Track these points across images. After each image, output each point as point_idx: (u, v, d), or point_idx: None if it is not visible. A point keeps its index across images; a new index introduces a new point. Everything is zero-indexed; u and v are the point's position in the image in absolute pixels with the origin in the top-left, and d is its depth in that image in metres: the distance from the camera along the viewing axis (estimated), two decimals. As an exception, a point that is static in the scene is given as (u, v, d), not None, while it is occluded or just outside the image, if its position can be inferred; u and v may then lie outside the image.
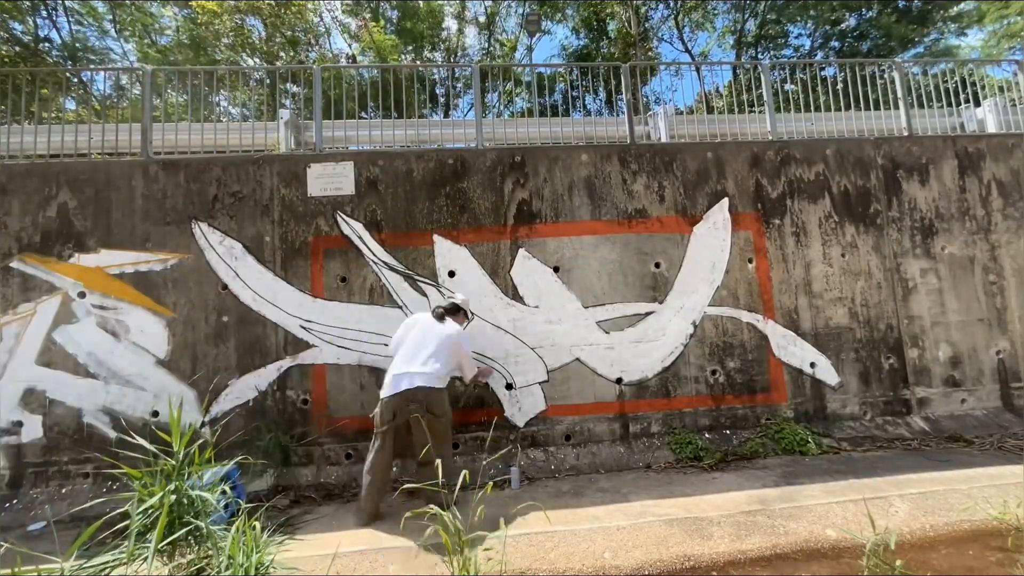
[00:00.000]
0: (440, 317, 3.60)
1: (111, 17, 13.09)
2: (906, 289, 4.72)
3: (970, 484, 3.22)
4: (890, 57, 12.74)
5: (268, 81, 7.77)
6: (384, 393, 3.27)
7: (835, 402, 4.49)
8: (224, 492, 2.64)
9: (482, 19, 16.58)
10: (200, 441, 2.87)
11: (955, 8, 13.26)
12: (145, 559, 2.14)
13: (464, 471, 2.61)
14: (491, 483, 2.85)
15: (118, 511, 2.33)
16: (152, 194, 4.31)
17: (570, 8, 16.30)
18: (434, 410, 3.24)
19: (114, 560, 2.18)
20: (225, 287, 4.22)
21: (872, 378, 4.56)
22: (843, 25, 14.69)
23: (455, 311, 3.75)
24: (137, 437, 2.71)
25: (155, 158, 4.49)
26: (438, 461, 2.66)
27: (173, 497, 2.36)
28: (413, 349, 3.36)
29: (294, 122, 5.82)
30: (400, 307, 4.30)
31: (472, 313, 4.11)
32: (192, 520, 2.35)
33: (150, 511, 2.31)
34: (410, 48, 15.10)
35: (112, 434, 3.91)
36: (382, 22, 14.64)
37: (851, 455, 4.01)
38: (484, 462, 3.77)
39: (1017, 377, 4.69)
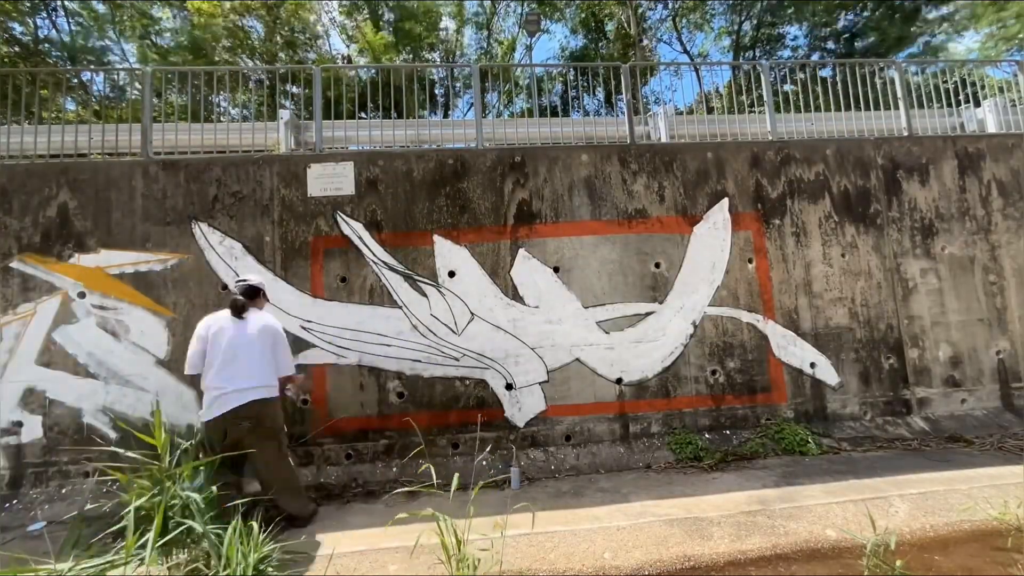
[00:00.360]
0: (240, 311, 3.14)
1: (111, 18, 13.10)
2: (906, 289, 4.72)
3: (970, 484, 3.22)
4: (885, 57, 12.75)
5: (268, 81, 7.77)
6: (206, 416, 2.97)
7: (835, 402, 4.49)
8: (213, 493, 2.63)
9: (480, 19, 16.60)
10: (194, 442, 2.88)
11: (946, 7, 13.24)
12: (142, 560, 2.14)
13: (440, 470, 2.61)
14: (485, 483, 2.85)
15: (109, 510, 2.33)
16: (152, 194, 4.31)
17: (568, 8, 16.32)
18: (265, 423, 3.00)
19: (108, 561, 2.18)
20: (225, 287, 4.22)
21: (872, 378, 4.56)
22: (837, 26, 14.71)
23: (254, 294, 3.30)
24: (136, 438, 2.71)
25: (155, 158, 4.49)
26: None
27: (159, 498, 2.35)
28: (227, 362, 3.00)
29: (294, 122, 5.82)
30: (400, 307, 4.30)
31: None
32: (186, 521, 2.35)
33: (144, 511, 2.31)
34: (407, 48, 15.11)
35: (112, 434, 3.91)
36: (374, 24, 14.63)
37: (851, 455, 4.01)
38: (484, 462, 3.77)
39: (1017, 377, 4.69)
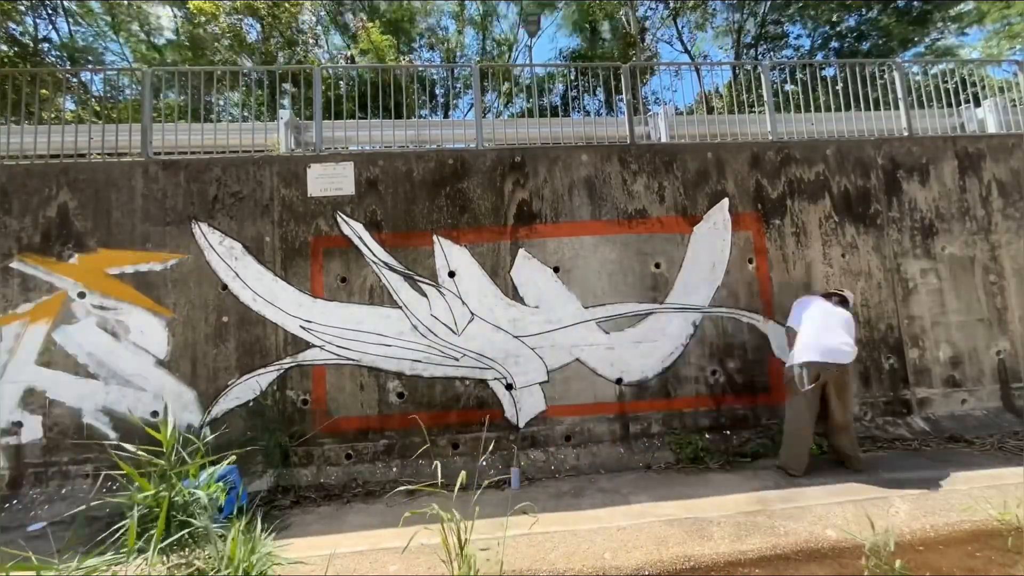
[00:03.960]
0: None
1: (109, 18, 13.09)
2: (906, 289, 4.72)
3: (970, 484, 3.22)
4: (890, 57, 12.74)
5: (267, 81, 7.76)
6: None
7: (835, 402, 4.48)
8: (218, 491, 2.63)
9: (477, 19, 16.57)
10: (203, 441, 2.87)
11: (955, 8, 13.25)
12: (145, 559, 2.14)
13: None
14: (487, 482, 2.84)
15: (111, 510, 2.32)
16: (152, 194, 4.31)
17: (559, 10, 16.32)
18: None
19: (111, 560, 2.18)
20: (225, 287, 4.22)
21: (872, 378, 4.56)
22: (842, 26, 14.70)
23: None
24: (136, 438, 2.71)
25: (155, 158, 4.49)
26: None
27: (166, 495, 2.35)
28: None
29: (294, 122, 5.82)
30: (400, 307, 4.30)
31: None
32: (189, 520, 2.35)
33: (146, 510, 2.31)
34: (404, 49, 15.08)
35: (112, 434, 3.91)
36: (370, 18, 14.60)
37: (851, 455, 4.00)
38: (484, 462, 3.77)
39: (1017, 377, 4.69)
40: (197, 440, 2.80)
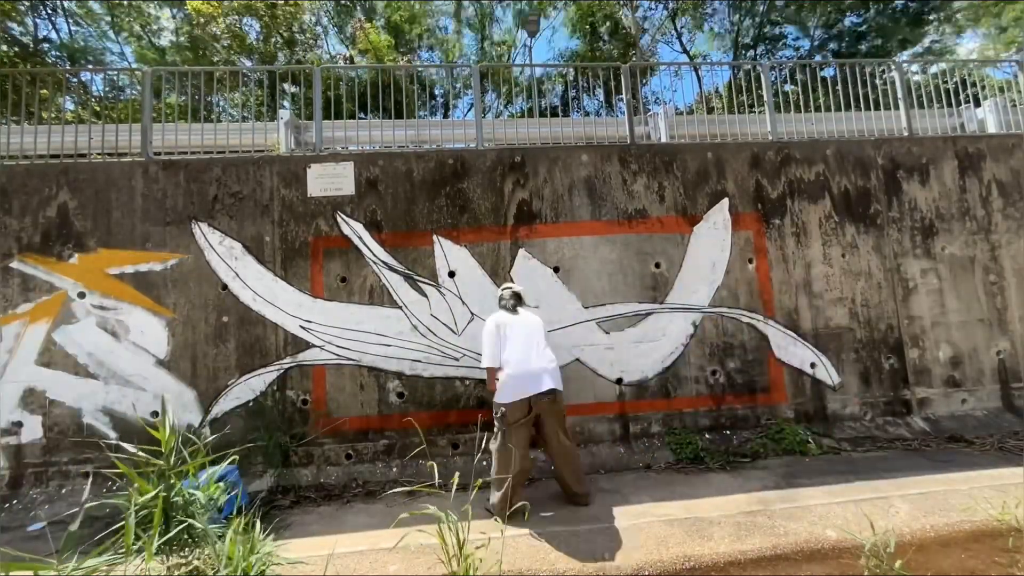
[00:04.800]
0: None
1: (109, 18, 13.10)
2: (906, 289, 4.72)
3: (970, 485, 3.22)
4: (888, 58, 12.75)
5: (267, 82, 7.77)
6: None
7: (835, 402, 4.49)
8: (218, 491, 2.63)
9: (475, 21, 16.58)
10: (203, 441, 2.87)
11: (949, 9, 13.26)
12: (143, 558, 2.14)
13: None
14: (484, 481, 2.84)
15: (110, 510, 2.32)
16: (152, 194, 4.31)
17: (560, 11, 16.33)
18: None
19: (110, 560, 2.17)
20: (225, 287, 4.22)
21: (872, 378, 4.56)
22: (840, 27, 14.70)
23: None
24: (136, 438, 2.71)
25: (155, 158, 4.49)
26: None
27: (163, 496, 2.35)
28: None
29: (294, 122, 5.82)
30: (400, 307, 4.29)
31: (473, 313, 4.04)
32: (187, 520, 2.35)
33: (143, 511, 2.30)
34: (403, 50, 15.09)
35: (112, 434, 3.91)
36: (368, 19, 14.61)
37: (851, 455, 4.00)
38: (484, 462, 3.76)
39: (1017, 377, 4.69)
40: (197, 440, 2.80)
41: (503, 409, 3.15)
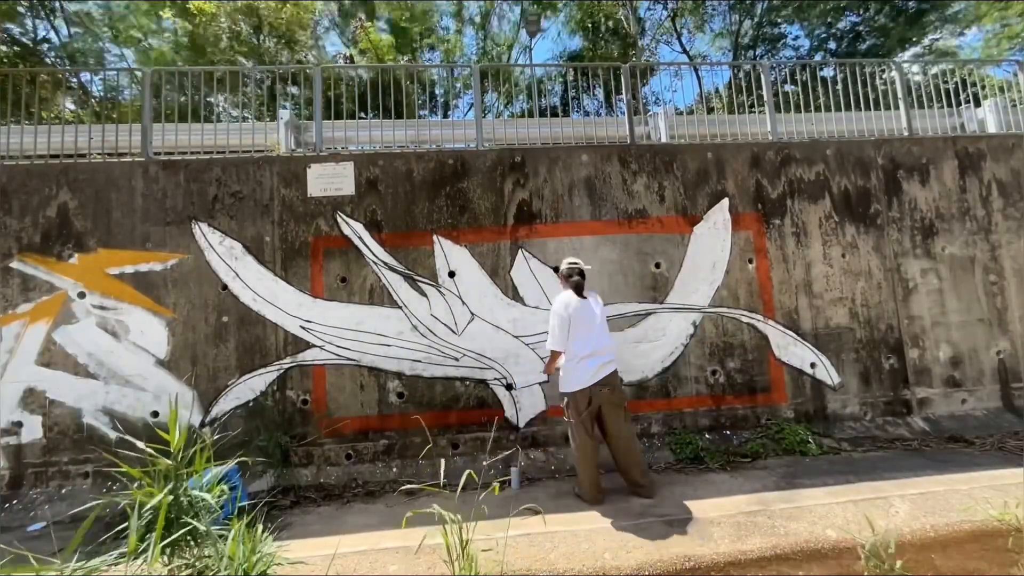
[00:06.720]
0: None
1: (108, 20, 13.09)
2: (906, 289, 4.72)
3: (970, 485, 3.22)
4: (888, 58, 12.75)
5: (268, 82, 7.77)
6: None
7: (835, 402, 4.49)
8: (223, 492, 2.63)
9: (477, 20, 16.60)
10: (201, 442, 2.86)
11: (950, 8, 13.25)
12: (145, 560, 2.14)
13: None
14: (486, 483, 2.84)
15: (111, 511, 2.32)
16: (152, 194, 4.31)
17: (563, 11, 16.33)
18: None
19: (113, 561, 2.17)
20: (225, 287, 4.22)
21: (872, 378, 4.56)
22: (839, 26, 14.69)
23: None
24: (136, 438, 2.71)
25: (155, 158, 4.49)
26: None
27: (171, 497, 2.35)
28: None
29: (294, 122, 5.82)
30: (400, 307, 4.30)
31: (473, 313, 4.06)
32: (190, 521, 2.35)
33: (148, 512, 2.30)
34: (405, 50, 15.10)
35: (112, 434, 3.91)
36: (376, 24, 14.63)
37: (851, 455, 4.00)
38: (484, 462, 3.76)
39: (1017, 377, 4.69)
40: (197, 440, 2.80)
41: (568, 398, 3.33)
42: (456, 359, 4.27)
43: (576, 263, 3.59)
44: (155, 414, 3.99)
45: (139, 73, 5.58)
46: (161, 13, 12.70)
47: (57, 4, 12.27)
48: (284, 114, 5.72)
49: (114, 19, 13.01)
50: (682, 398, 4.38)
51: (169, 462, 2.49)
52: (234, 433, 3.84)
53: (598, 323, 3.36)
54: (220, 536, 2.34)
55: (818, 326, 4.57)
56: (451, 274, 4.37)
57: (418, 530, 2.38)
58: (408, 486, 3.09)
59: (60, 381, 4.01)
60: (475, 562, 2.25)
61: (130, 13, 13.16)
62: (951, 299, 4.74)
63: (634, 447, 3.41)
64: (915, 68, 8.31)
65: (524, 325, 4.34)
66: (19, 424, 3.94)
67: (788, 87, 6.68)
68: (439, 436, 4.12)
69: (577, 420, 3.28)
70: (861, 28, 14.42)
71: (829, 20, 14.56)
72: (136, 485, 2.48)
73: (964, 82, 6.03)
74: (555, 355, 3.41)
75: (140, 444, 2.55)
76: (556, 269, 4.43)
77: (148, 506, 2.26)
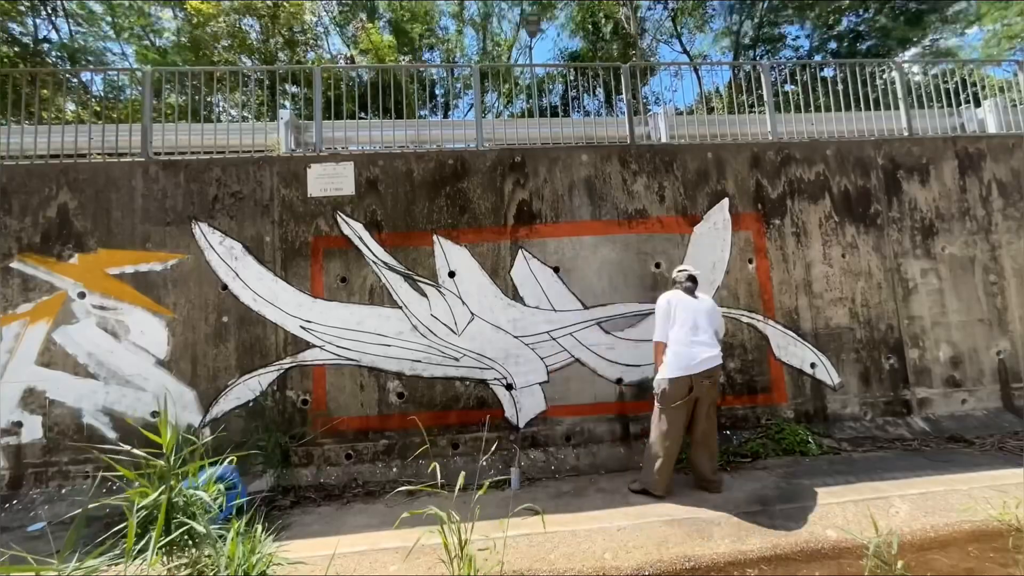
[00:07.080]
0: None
1: (109, 19, 13.08)
2: (906, 289, 4.72)
3: (970, 485, 3.22)
4: (888, 58, 12.74)
5: (268, 82, 7.77)
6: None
7: (835, 402, 4.49)
8: (220, 492, 2.63)
9: (477, 20, 16.60)
10: (203, 441, 2.86)
11: (951, 8, 13.24)
12: (144, 559, 2.14)
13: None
14: (485, 483, 2.85)
15: (110, 511, 2.31)
16: (152, 194, 4.31)
17: (562, 12, 16.34)
18: None
19: (110, 561, 2.17)
20: (225, 287, 4.22)
21: (872, 378, 4.56)
22: (840, 27, 14.70)
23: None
24: (136, 438, 2.71)
25: (155, 158, 4.49)
26: None
27: (165, 497, 2.34)
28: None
29: (294, 122, 5.82)
30: (400, 307, 4.30)
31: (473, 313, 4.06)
32: (186, 520, 2.35)
33: (146, 511, 2.30)
34: (406, 50, 15.11)
35: (112, 435, 3.92)
36: (377, 24, 14.64)
37: (851, 455, 4.00)
38: (484, 462, 3.77)
39: (1018, 377, 4.69)
40: (197, 440, 2.80)
41: (664, 385, 3.27)
42: (456, 359, 4.27)
43: (685, 269, 3.66)
44: (155, 414, 3.99)
45: (139, 73, 5.57)
46: (161, 15, 12.71)
47: (58, 3, 12.27)
48: (284, 114, 5.71)
49: (113, 7, 12.96)
50: (682, 398, 4.37)
51: (162, 463, 2.49)
52: (234, 433, 3.85)
53: (704, 315, 3.39)
54: (219, 536, 2.34)
55: (818, 326, 4.57)
56: (451, 274, 4.37)
57: (418, 530, 2.38)
58: (408, 486, 3.09)
59: (60, 381, 4.01)
60: (474, 562, 2.25)
61: (131, 13, 13.17)
62: (951, 299, 4.74)
63: (713, 444, 3.44)
64: (915, 68, 8.31)
65: (524, 325, 4.34)
66: (19, 424, 3.94)
67: (788, 87, 6.68)
68: (439, 436, 4.12)
69: (670, 408, 3.26)
70: (861, 28, 14.42)
71: (828, 22, 14.56)
72: (135, 485, 2.48)
73: (964, 82, 6.02)
74: (658, 347, 3.42)
75: (127, 447, 2.55)
76: (556, 269, 4.44)
77: (140, 506, 2.26)
